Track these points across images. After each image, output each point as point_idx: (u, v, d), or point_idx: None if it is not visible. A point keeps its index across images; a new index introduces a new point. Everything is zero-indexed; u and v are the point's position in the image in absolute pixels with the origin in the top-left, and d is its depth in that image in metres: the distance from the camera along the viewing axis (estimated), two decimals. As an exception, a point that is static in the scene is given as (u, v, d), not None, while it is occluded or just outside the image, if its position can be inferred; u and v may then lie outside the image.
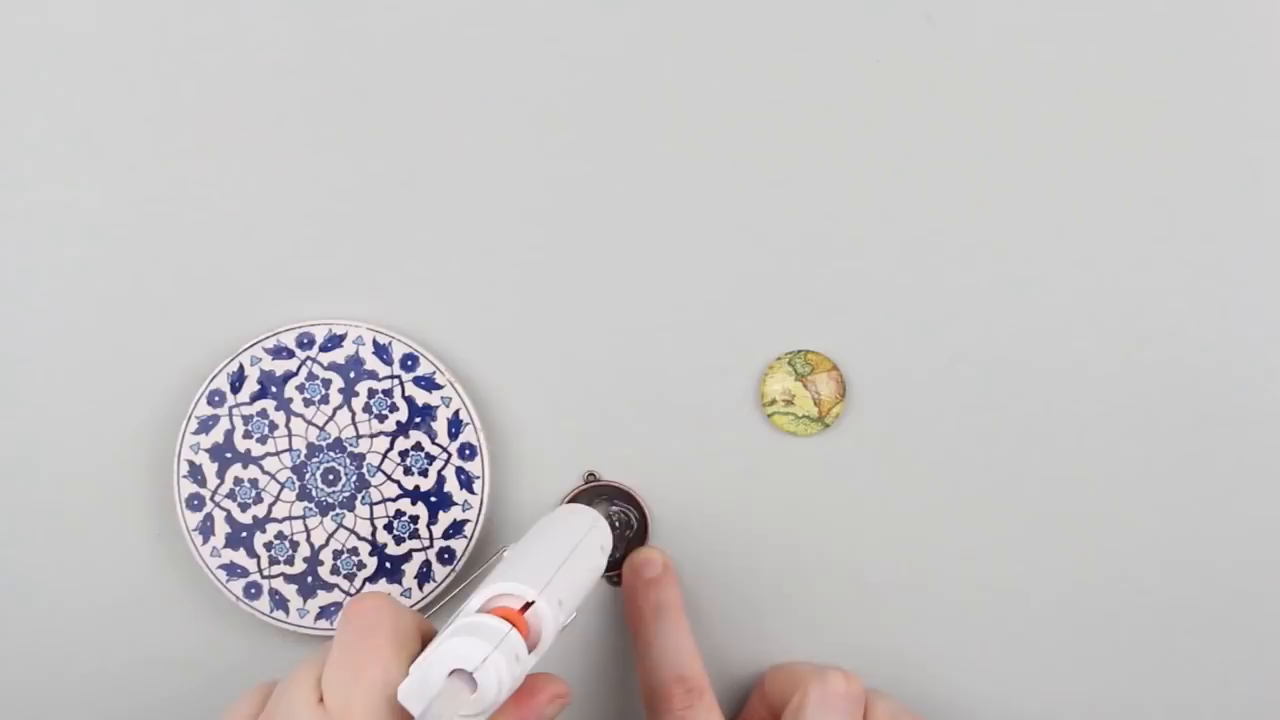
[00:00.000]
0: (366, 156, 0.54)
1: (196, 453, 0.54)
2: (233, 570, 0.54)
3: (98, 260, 0.54)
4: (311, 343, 0.54)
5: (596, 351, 0.55)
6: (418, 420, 0.54)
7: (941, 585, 0.56)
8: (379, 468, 0.54)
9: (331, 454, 0.54)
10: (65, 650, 0.56)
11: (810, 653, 0.56)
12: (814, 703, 0.51)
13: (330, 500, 0.54)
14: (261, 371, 0.54)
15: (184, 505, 0.54)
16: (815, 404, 0.55)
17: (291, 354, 0.54)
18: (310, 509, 0.54)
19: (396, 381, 0.54)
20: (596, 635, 0.56)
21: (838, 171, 0.55)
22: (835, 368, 0.55)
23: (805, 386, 0.55)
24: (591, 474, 0.55)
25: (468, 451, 0.54)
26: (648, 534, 0.56)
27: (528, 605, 0.43)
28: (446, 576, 0.55)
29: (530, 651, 0.42)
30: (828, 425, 0.55)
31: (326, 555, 0.54)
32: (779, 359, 0.55)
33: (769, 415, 0.55)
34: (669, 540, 0.56)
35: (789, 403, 0.55)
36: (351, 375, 0.54)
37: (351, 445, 0.54)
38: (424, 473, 0.55)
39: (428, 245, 0.55)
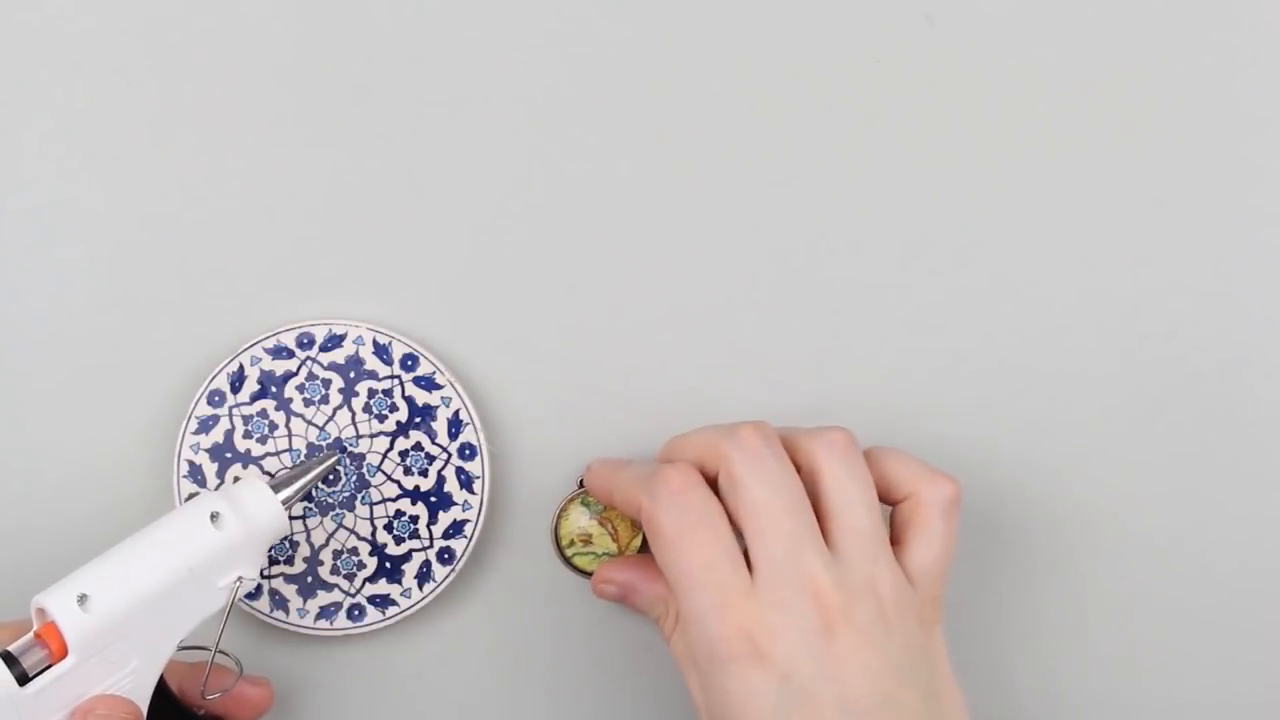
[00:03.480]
0: (366, 156, 0.54)
1: (196, 453, 0.54)
2: (233, 570, 0.54)
3: (98, 260, 0.54)
4: (311, 343, 0.54)
5: (597, 351, 0.55)
6: (418, 420, 0.54)
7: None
8: (379, 468, 0.54)
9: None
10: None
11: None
12: (740, 465, 0.47)
13: (330, 500, 0.54)
14: (261, 371, 0.54)
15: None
16: (613, 539, 0.55)
17: (291, 354, 0.54)
18: (310, 509, 0.54)
19: (396, 381, 0.54)
20: (591, 637, 0.56)
21: (838, 171, 0.55)
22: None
23: (601, 524, 0.55)
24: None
25: (468, 451, 0.54)
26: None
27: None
28: (446, 576, 0.55)
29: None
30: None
31: (326, 555, 0.54)
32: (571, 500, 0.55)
33: (571, 557, 0.55)
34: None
35: (587, 542, 0.55)
36: (351, 375, 0.54)
37: (351, 445, 0.54)
38: (424, 473, 0.55)
39: (428, 245, 0.55)
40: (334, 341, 0.54)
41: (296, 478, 0.51)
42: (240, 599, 0.49)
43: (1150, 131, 0.55)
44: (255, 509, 0.49)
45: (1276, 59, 0.55)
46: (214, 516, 0.48)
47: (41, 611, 0.46)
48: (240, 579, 0.48)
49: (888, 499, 0.49)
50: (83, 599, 0.45)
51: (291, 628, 0.54)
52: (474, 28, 0.54)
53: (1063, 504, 0.56)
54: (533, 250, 0.55)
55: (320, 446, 0.54)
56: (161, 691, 0.48)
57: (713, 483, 0.48)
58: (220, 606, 0.48)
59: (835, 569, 0.45)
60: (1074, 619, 0.57)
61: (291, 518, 0.53)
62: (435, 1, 0.54)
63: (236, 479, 0.54)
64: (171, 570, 0.47)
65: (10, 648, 0.45)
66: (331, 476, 0.54)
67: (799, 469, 0.47)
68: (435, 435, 0.54)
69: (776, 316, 0.55)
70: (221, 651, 0.50)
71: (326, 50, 0.54)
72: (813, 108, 0.55)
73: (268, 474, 0.54)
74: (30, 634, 0.46)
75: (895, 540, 0.48)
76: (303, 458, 0.54)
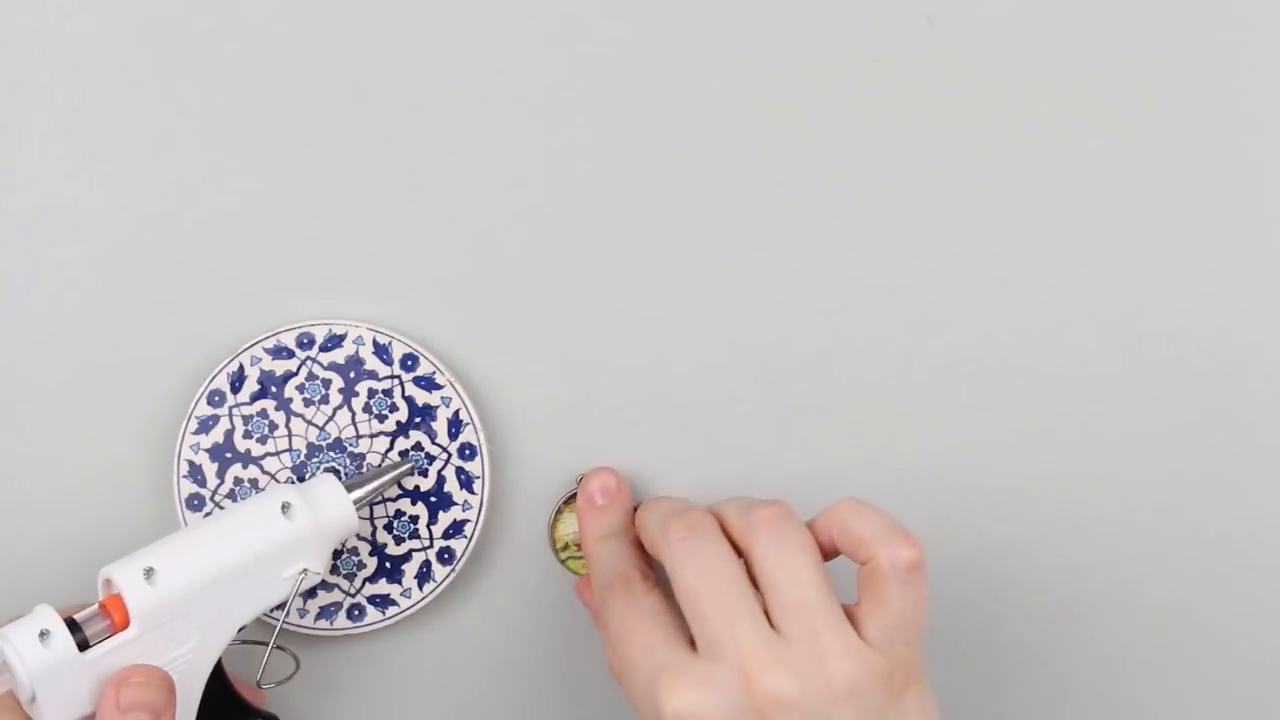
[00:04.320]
0: (366, 156, 0.54)
1: (196, 453, 0.54)
2: (233, 570, 0.54)
3: (98, 260, 0.54)
4: (311, 343, 0.54)
5: (597, 351, 0.55)
6: (418, 420, 0.54)
7: (942, 585, 0.56)
8: (379, 468, 0.54)
9: (331, 454, 0.54)
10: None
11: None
12: (672, 559, 0.47)
13: (330, 500, 0.54)
14: (261, 371, 0.54)
15: (184, 505, 0.54)
16: None
17: (291, 354, 0.54)
18: (310, 509, 0.54)
19: (396, 381, 0.54)
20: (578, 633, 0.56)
21: (838, 171, 0.55)
22: None
23: None
24: (585, 477, 0.55)
25: (468, 451, 0.54)
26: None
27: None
28: (446, 576, 0.55)
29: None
30: None
31: (326, 555, 0.54)
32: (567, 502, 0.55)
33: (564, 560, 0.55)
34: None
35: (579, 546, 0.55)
36: (351, 375, 0.54)
37: (351, 445, 0.54)
38: (424, 473, 0.55)
39: (428, 245, 0.55)
40: (334, 341, 0.54)
41: (371, 479, 0.52)
42: (300, 590, 0.50)
43: (1150, 132, 0.55)
44: (327, 504, 0.50)
45: (1276, 59, 0.55)
46: (285, 507, 0.49)
47: (108, 582, 0.47)
48: (305, 571, 0.49)
49: (853, 558, 0.48)
50: (149, 572, 0.46)
51: (291, 627, 0.54)
52: (474, 27, 0.54)
53: (1062, 504, 0.56)
54: (533, 250, 0.55)
55: (320, 446, 0.54)
56: (217, 676, 0.49)
57: None
58: (283, 597, 0.49)
59: (775, 647, 0.45)
60: (1072, 619, 0.57)
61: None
62: (435, 1, 0.54)
63: (237, 479, 0.54)
64: (238, 554, 0.48)
65: (75, 616, 0.46)
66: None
67: (738, 549, 0.47)
68: (435, 435, 0.54)
69: (776, 316, 0.55)
70: (279, 647, 0.51)
71: (327, 51, 0.54)
72: (813, 108, 0.55)
73: (268, 474, 0.54)
74: (95, 604, 0.47)
75: (858, 603, 0.47)
76: (302, 458, 0.54)
